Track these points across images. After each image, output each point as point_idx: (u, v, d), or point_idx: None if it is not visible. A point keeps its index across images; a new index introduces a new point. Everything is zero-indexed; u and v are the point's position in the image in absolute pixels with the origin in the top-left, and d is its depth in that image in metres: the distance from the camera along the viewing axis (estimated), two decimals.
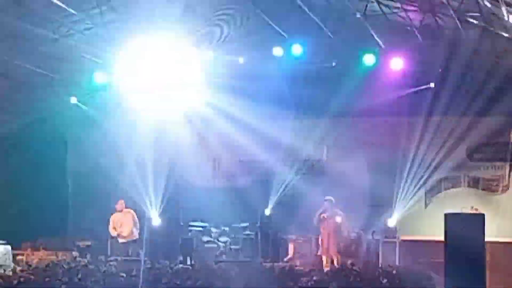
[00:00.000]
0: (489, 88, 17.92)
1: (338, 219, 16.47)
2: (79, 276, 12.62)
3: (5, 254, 16.91)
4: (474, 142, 18.91)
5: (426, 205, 19.18)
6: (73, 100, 20.51)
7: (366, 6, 15.73)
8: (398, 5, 15.42)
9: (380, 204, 18.83)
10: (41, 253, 17.42)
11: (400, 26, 16.57)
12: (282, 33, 18.16)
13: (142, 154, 20.60)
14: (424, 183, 19.07)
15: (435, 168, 18.97)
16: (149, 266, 13.46)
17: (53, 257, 16.50)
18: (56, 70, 19.42)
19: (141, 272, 12.45)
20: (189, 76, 19.47)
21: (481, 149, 18.96)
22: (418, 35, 15.81)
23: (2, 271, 13.89)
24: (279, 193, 19.88)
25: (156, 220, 19.31)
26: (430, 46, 17.12)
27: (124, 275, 12.52)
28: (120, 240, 17.24)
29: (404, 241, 17.77)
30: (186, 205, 20.04)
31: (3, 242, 17.27)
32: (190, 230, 19.09)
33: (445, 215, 13.12)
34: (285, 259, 17.79)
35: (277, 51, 18.42)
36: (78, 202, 20.76)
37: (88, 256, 16.74)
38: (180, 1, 16.08)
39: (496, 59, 16.70)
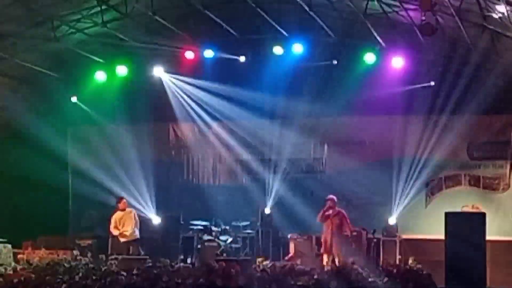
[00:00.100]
0: (489, 86, 17.91)
1: (341, 218, 16.43)
2: (80, 274, 12.62)
3: (5, 252, 16.92)
4: (475, 140, 18.91)
5: (426, 204, 19.16)
6: (74, 99, 20.55)
7: (367, 5, 15.74)
8: (398, 3, 15.41)
9: (380, 202, 18.84)
10: (42, 252, 17.40)
11: (400, 24, 16.57)
12: (283, 32, 18.17)
13: (142, 153, 20.67)
14: (425, 181, 19.08)
15: (436, 166, 18.97)
16: (150, 264, 13.46)
17: (54, 256, 16.48)
18: (57, 69, 19.46)
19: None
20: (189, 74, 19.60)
21: (482, 147, 18.94)
22: (419, 34, 15.80)
23: (3, 270, 13.89)
24: (279, 192, 19.88)
25: (155, 219, 19.30)
26: (430, 45, 17.11)
27: (125, 273, 12.51)
28: (122, 239, 17.22)
29: (405, 239, 17.77)
30: (187, 204, 20.03)
31: (3, 240, 17.29)
32: (191, 229, 19.09)
33: (446, 214, 13.14)
34: (285, 258, 17.78)
35: (278, 49, 18.43)
36: (79, 201, 20.75)
37: (89, 254, 16.74)
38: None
39: (497, 58, 16.69)
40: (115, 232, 17.30)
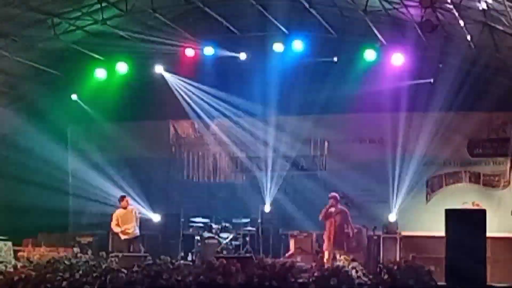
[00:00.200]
0: (490, 83, 17.92)
1: (343, 216, 16.42)
2: (80, 272, 12.61)
3: (6, 250, 16.92)
4: (476, 137, 18.91)
5: (427, 201, 19.19)
6: (74, 97, 20.55)
7: (367, 2, 15.72)
8: (399, 0, 15.39)
9: (381, 200, 18.85)
10: (42, 249, 17.38)
11: (401, 21, 16.56)
12: (283, 29, 18.16)
13: (142, 150, 20.67)
14: (425, 178, 19.09)
15: (436, 163, 18.98)
16: (150, 262, 13.45)
17: (54, 253, 16.42)
18: (57, 66, 19.45)
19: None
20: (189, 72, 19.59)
21: (482, 144, 18.96)
22: (419, 31, 15.79)
23: (3, 267, 13.87)
24: (280, 189, 19.90)
25: (155, 217, 19.29)
26: (430, 42, 17.10)
27: (125, 271, 12.51)
28: (124, 237, 17.21)
29: (405, 236, 17.76)
30: (187, 201, 20.04)
31: (4, 238, 17.29)
32: (191, 226, 19.09)
33: (446, 210, 13.10)
34: (286, 255, 17.78)
35: (278, 47, 18.42)
36: (79, 198, 20.75)
37: (89, 252, 16.72)
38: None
39: (497, 55, 16.68)
40: (117, 230, 17.30)
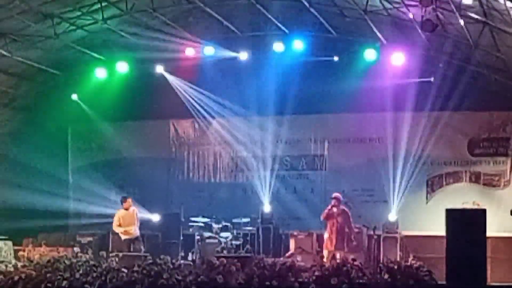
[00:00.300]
0: (490, 83, 17.92)
1: (344, 217, 16.40)
2: (81, 271, 12.62)
3: (6, 250, 16.93)
4: (476, 137, 18.91)
5: (427, 201, 19.19)
6: (74, 96, 20.54)
7: (367, 1, 15.71)
8: (399, 0, 15.39)
9: (381, 199, 18.85)
10: (43, 249, 17.41)
11: (401, 21, 16.55)
12: (283, 28, 18.16)
13: (143, 150, 20.68)
14: (425, 178, 19.09)
15: (437, 163, 18.98)
16: (150, 261, 13.46)
17: (55, 253, 16.47)
18: (57, 66, 19.45)
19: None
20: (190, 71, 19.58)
21: (482, 144, 18.95)
22: (420, 30, 15.78)
23: (4, 267, 13.90)
24: (280, 189, 19.90)
25: (154, 217, 19.27)
26: (431, 41, 17.09)
27: (126, 270, 12.51)
28: (126, 237, 17.17)
29: (406, 236, 17.76)
30: (188, 201, 20.02)
31: (4, 238, 17.30)
32: (191, 226, 19.08)
33: (446, 210, 13.09)
34: (286, 255, 17.77)
35: (278, 46, 18.42)
36: (80, 198, 20.74)
37: (90, 251, 16.73)
38: None
39: (497, 54, 16.68)
40: (119, 230, 17.26)
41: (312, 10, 16.67)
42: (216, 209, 19.67)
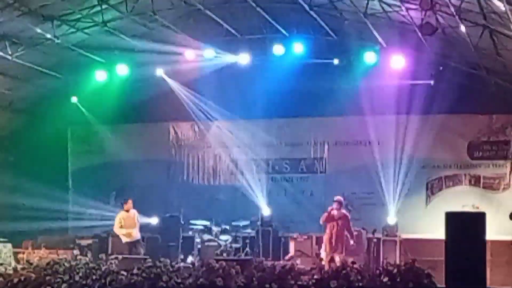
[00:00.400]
0: (490, 86, 17.92)
1: (344, 221, 16.39)
2: (80, 274, 12.60)
3: (6, 252, 16.93)
4: (475, 140, 18.91)
5: (427, 204, 19.19)
6: (74, 98, 20.54)
7: (367, 4, 15.72)
8: (399, 3, 15.40)
9: (380, 202, 18.85)
10: (42, 252, 17.41)
11: (401, 24, 16.56)
12: (283, 31, 18.17)
13: (142, 152, 20.69)
14: (425, 181, 19.09)
15: (436, 166, 18.98)
16: (150, 264, 13.44)
17: (54, 256, 16.47)
18: (57, 68, 19.45)
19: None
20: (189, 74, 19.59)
21: (482, 147, 18.96)
22: (419, 33, 15.79)
23: (3, 269, 13.88)
24: (280, 192, 19.90)
25: (153, 220, 19.26)
26: (430, 44, 17.09)
27: (125, 273, 12.50)
28: (127, 239, 17.14)
29: (405, 239, 17.76)
30: (187, 203, 20.02)
31: (4, 240, 17.29)
32: (191, 228, 19.08)
33: (446, 213, 13.09)
34: (286, 258, 17.77)
35: (278, 49, 18.42)
36: (79, 201, 20.75)
37: (89, 254, 16.73)
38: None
39: (497, 57, 16.68)
40: (120, 232, 17.22)
41: (312, 13, 16.67)
42: (216, 211, 19.68)
